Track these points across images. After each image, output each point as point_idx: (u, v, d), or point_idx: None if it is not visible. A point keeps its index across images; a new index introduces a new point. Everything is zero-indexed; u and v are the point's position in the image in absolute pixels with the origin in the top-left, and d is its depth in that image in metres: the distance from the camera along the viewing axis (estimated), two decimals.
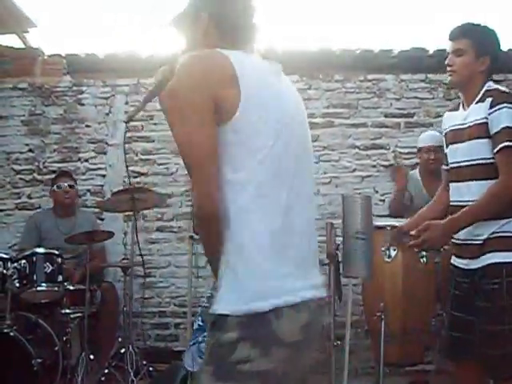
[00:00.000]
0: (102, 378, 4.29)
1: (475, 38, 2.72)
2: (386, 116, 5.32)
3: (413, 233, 2.66)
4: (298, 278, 1.50)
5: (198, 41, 1.65)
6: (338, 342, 3.26)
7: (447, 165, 2.88)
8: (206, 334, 2.93)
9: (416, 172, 4.53)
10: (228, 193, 1.48)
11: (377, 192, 5.22)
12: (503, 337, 2.54)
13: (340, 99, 5.35)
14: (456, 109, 2.87)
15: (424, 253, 3.07)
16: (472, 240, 2.64)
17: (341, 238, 3.10)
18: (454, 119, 2.82)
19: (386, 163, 5.24)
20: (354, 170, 5.31)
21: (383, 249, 3.22)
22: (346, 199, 3.07)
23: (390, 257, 3.29)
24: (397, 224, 3.23)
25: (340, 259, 3.13)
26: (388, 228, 3.40)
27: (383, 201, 5.15)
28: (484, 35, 2.76)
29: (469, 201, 2.63)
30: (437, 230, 2.62)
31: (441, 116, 3.15)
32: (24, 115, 5.56)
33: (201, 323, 3.01)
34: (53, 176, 5.08)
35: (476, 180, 2.65)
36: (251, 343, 1.40)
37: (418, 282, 3.48)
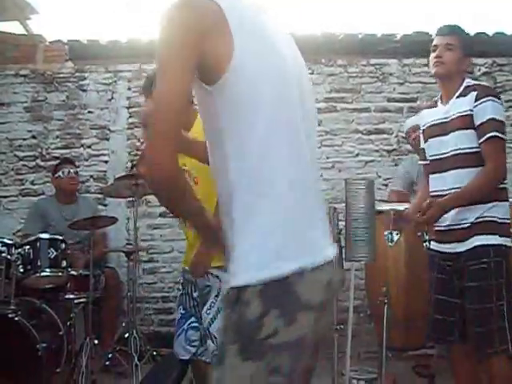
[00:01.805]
0: (107, 363, 4.34)
1: (463, 38, 2.88)
2: (388, 100, 5.31)
3: (419, 214, 2.76)
4: (322, 235, 1.39)
5: None
6: (341, 327, 3.26)
7: (425, 159, 3.01)
8: (191, 320, 2.96)
9: (415, 155, 4.55)
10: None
11: (379, 177, 5.22)
12: (491, 314, 2.66)
13: (343, 84, 5.34)
14: (433, 106, 2.98)
15: (427, 237, 3.10)
16: (458, 225, 2.76)
17: (343, 223, 3.10)
18: (433, 115, 2.95)
19: (388, 148, 5.24)
20: (357, 155, 5.31)
21: (386, 233, 3.23)
22: (348, 184, 3.08)
23: (392, 241, 3.30)
24: (400, 208, 3.27)
25: (343, 244, 3.13)
26: (391, 212, 3.43)
27: (386, 185, 5.14)
28: (468, 39, 2.98)
29: (452, 188, 2.76)
30: (438, 206, 2.72)
31: None
32: (26, 102, 5.56)
33: (182, 311, 3.04)
34: (56, 162, 5.09)
35: (461, 168, 2.76)
36: (277, 313, 1.25)
37: (420, 267, 3.48)
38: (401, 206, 3.36)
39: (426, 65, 5.24)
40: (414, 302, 3.55)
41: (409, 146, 4.99)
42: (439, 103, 2.93)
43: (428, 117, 2.98)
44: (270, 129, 1.31)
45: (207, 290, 2.86)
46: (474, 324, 2.70)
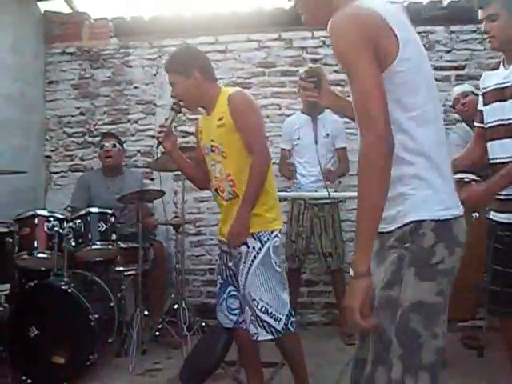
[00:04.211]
0: (157, 333, 4.43)
1: None
2: (435, 69, 5.17)
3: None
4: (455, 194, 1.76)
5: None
6: None
7: (481, 122, 2.88)
8: (229, 289, 3.09)
9: (462, 124, 4.46)
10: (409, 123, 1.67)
11: None
12: None
13: None
14: (495, 68, 2.83)
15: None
16: None
17: None
18: (494, 78, 2.81)
19: None
20: None
21: None
22: None
23: None
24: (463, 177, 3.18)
25: None
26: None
27: None
28: None
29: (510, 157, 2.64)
30: (476, 193, 2.66)
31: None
32: (74, 79, 5.65)
33: (221, 281, 3.14)
34: None
35: None
36: (444, 245, 1.64)
37: (469, 237, 3.42)
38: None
39: (475, 31, 5.10)
40: (462, 273, 3.47)
41: (456, 116, 4.88)
42: (501, 66, 2.78)
43: (489, 80, 2.82)
44: (426, 103, 1.69)
45: (239, 258, 2.96)
46: None
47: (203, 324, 4.55)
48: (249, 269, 2.91)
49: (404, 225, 1.66)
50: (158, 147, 3.14)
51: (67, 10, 5.78)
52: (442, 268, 1.65)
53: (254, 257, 2.91)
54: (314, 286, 5.27)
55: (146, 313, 4.32)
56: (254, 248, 2.92)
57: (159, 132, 3.07)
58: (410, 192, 1.66)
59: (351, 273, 1.60)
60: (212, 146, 3.02)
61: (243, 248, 2.93)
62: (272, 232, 2.96)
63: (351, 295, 1.59)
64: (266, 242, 2.93)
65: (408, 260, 1.65)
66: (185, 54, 3.08)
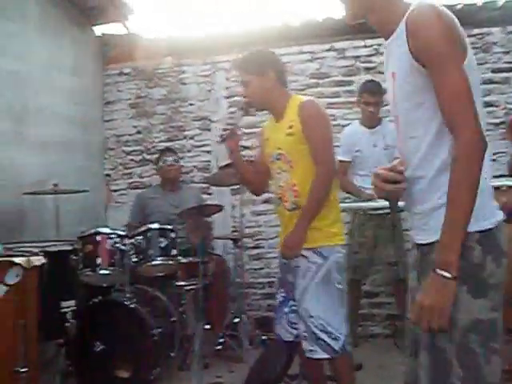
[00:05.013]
0: (218, 347, 4.45)
1: None
2: (493, 71, 5.05)
3: None
4: None
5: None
6: None
7: None
8: (290, 303, 2.98)
9: None
10: None
11: None
12: None
13: None
14: None
15: None
16: None
17: None
18: None
19: (496, 121, 4.99)
20: None
21: None
22: None
23: None
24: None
25: None
26: (503, 188, 3.28)
27: (494, 160, 4.92)
28: None
29: None
30: None
31: None
32: (130, 98, 5.79)
33: (283, 295, 3.04)
34: None
35: None
36: (491, 258, 1.55)
37: None
38: None
39: None
40: None
41: None
42: None
43: None
44: (480, 110, 1.61)
45: (296, 271, 2.89)
46: None
47: (264, 337, 4.53)
48: (308, 284, 2.83)
49: None
50: (221, 142, 3.09)
51: (121, 32, 5.93)
52: (493, 282, 1.56)
53: (315, 273, 2.82)
54: (373, 297, 5.19)
55: (207, 327, 4.34)
56: (314, 263, 2.83)
57: (225, 130, 3.05)
58: None
59: (442, 272, 1.50)
60: (279, 154, 2.95)
61: (302, 262, 2.86)
62: (334, 247, 2.88)
63: (444, 296, 1.51)
64: (327, 258, 2.83)
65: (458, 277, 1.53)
66: (261, 55, 3.04)
